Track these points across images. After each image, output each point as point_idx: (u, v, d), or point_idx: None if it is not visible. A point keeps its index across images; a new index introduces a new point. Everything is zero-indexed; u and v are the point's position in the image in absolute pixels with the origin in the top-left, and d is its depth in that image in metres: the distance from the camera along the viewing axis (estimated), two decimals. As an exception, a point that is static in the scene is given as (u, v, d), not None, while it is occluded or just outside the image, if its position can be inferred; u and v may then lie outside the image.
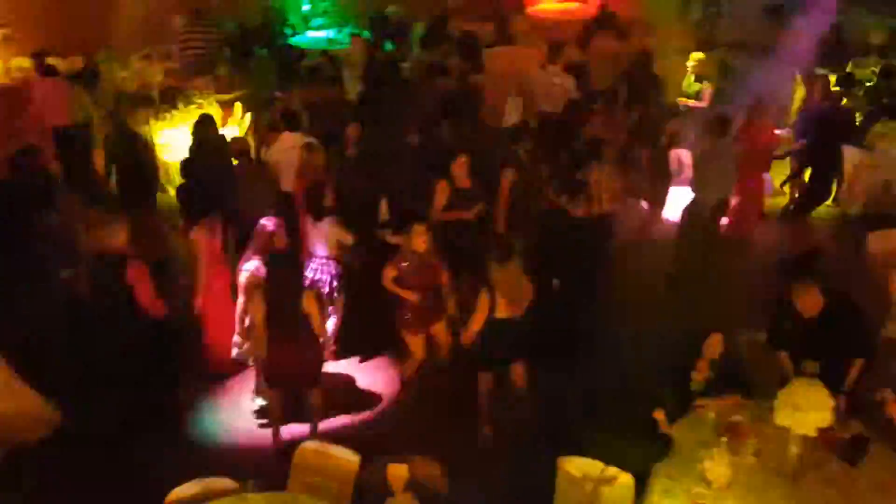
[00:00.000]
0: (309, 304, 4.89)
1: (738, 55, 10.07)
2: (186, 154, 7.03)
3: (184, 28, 10.33)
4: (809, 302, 4.40)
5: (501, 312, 4.97)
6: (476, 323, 5.00)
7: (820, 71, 8.90)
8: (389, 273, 5.30)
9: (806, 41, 9.37)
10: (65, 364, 5.22)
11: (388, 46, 10.69)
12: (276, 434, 5.19)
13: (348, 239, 5.87)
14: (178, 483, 3.80)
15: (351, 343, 6.20)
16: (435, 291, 5.39)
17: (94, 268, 5.14)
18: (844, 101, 8.41)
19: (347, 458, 4.03)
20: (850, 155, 7.84)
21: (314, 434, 5.15)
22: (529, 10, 13.14)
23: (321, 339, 5.15)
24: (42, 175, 6.54)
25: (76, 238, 5.73)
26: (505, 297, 4.95)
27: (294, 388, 5.23)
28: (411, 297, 5.29)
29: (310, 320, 4.92)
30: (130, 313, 4.98)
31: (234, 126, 8.95)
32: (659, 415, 4.27)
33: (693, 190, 7.05)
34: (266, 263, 5.11)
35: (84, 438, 4.99)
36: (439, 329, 5.55)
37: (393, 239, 5.98)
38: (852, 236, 7.22)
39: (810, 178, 8.23)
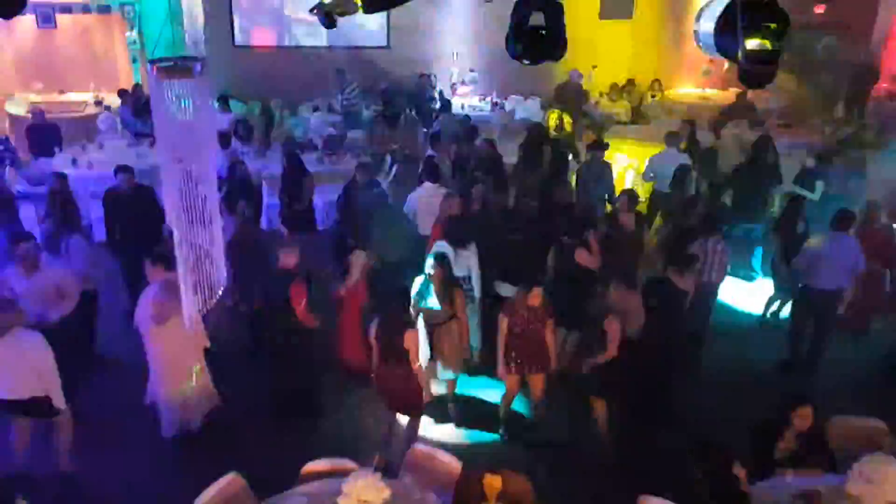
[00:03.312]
0: (408, 341, 5.26)
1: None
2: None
3: (342, 85, 11.75)
4: None
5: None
6: (612, 349, 5.51)
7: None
8: (504, 326, 5.79)
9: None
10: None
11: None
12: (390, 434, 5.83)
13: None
14: (313, 458, 4.49)
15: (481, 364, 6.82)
16: (537, 344, 5.83)
17: (269, 280, 6.11)
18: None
19: (451, 462, 4.56)
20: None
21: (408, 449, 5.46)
22: (668, 91, 13.70)
23: (418, 375, 5.41)
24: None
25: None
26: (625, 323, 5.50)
27: (399, 411, 5.76)
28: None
29: (408, 356, 5.26)
30: (289, 320, 5.87)
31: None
32: (740, 472, 4.44)
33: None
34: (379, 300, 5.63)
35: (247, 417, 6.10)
36: (537, 378, 5.99)
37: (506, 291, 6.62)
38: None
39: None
